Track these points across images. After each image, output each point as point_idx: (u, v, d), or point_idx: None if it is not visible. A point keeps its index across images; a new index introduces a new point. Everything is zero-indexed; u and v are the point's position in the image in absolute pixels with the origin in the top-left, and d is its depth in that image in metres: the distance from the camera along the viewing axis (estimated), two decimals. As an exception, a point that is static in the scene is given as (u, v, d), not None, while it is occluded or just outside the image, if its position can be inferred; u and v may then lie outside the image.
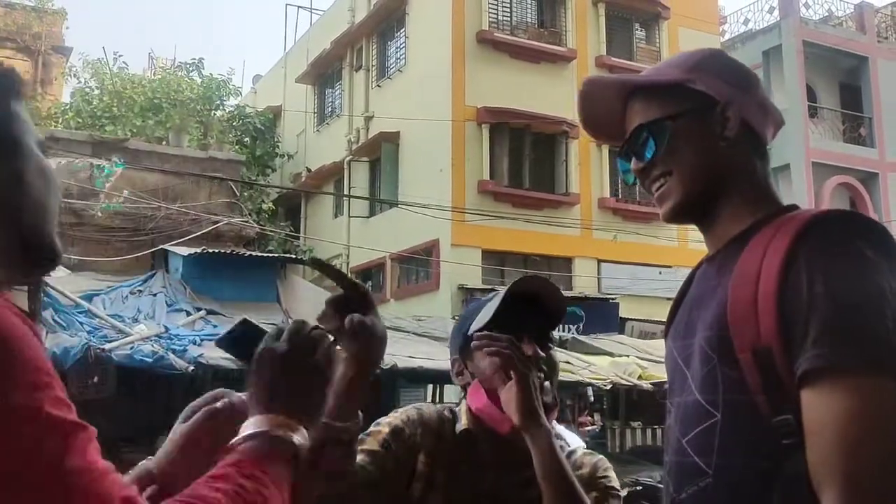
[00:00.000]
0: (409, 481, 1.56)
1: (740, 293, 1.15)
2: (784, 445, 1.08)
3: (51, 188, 0.98)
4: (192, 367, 8.06)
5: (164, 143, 15.17)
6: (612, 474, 1.70)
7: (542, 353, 1.59)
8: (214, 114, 21.32)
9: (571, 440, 2.21)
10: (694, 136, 1.29)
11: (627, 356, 12.00)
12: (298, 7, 24.69)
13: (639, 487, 9.32)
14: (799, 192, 18.98)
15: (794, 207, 1.29)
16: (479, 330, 1.56)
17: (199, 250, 10.87)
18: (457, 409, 1.67)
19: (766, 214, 1.25)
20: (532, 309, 1.60)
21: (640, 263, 17.11)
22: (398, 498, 1.55)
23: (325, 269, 1.40)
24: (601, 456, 1.75)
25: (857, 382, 1.02)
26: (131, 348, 8.14)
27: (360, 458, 1.48)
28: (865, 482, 0.99)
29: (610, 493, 1.65)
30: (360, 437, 1.52)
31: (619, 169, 1.43)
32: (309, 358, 1.05)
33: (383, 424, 1.59)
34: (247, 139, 21.37)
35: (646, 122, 1.32)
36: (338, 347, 1.15)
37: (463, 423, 1.61)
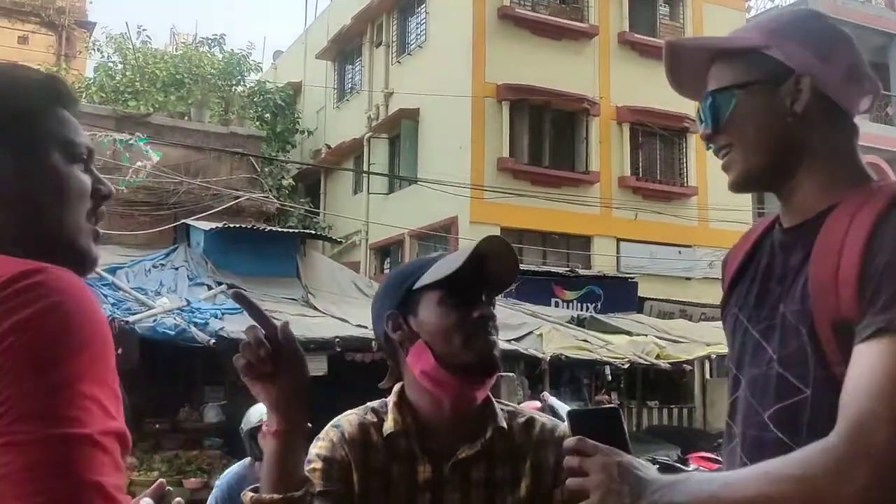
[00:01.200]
0: None
1: (822, 266, 1.13)
2: None
3: (65, 199, 0.99)
4: (213, 341, 8.16)
5: (185, 118, 15.25)
6: None
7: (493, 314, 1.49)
8: (235, 89, 21.39)
9: (563, 411, 2.13)
10: (759, 110, 1.24)
11: (646, 335, 12.00)
12: (319, -18, 24.64)
13: (656, 466, 9.35)
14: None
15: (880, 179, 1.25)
16: (435, 286, 1.45)
17: (220, 225, 10.96)
18: (381, 408, 1.53)
19: (852, 185, 1.21)
20: (488, 268, 1.48)
21: (660, 243, 17.03)
22: None
23: (242, 301, 1.31)
24: None
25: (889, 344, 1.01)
26: (154, 321, 8.25)
27: None
28: (871, 424, 0.99)
29: None
30: None
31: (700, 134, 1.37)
32: None
33: (313, 461, 1.46)
34: (267, 115, 21.41)
35: (714, 90, 1.27)
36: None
37: (390, 420, 1.48)
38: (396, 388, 1.52)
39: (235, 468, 4.50)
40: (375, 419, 1.51)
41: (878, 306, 1.05)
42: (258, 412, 4.56)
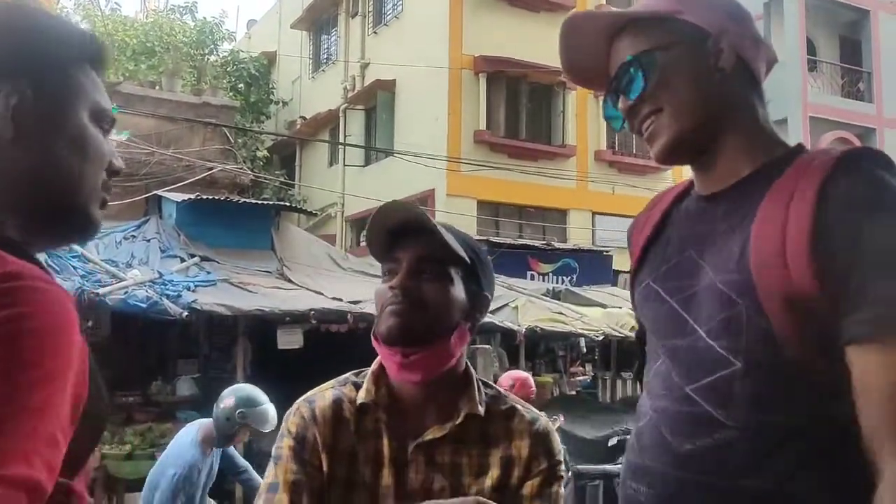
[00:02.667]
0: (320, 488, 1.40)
1: (766, 237, 1.08)
2: (819, 400, 1.04)
3: (87, 159, 0.94)
4: (185, 313, 8.08)
5: (157, 87, 14.99)
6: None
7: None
8: (208, 58, 21.07)
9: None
10: (686, 68, 1.20)
11: (620, 308, 12.08)
12: (294, -50, 24.24)
13: (628, 436, 9.46)
14: (796, 146, 18.90)
15: (801, 149, 1.22)
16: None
17: (192, 196, 10.82)
18: (360, 379, 1.49)
19: (778, 157, 1.18)
20: (403, 236, 1.42)
21: (635, 216, 17.07)
22: None
23: None
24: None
25: None
26: (125, 293, 8.14)
27: (280, 497, 1.35)
28: None
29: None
30: (270, 466, 1.41)
31: (603, 115, 1.35)
32: None
33: (285, 437, 1.42)
34: (241, 85, 21.15)
35: (634, 55, 1.22)
36: None
37: (363, 391, 1.45)
38: (379, 354, 1.47)
39: (191, 456, 4.42)
40: (354, 392, 1.47)
41: (868, 299, 0.99)
42: (232, 395, 4.50)
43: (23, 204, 0.89)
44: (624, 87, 1.25)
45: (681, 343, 1.17)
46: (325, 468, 1.39)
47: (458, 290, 1.43)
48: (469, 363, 1.51)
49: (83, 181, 0.94)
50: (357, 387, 1.47)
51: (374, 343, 1.44)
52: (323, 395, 1.48)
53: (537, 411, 1.52)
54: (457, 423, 1.42)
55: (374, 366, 1.48)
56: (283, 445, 1.42)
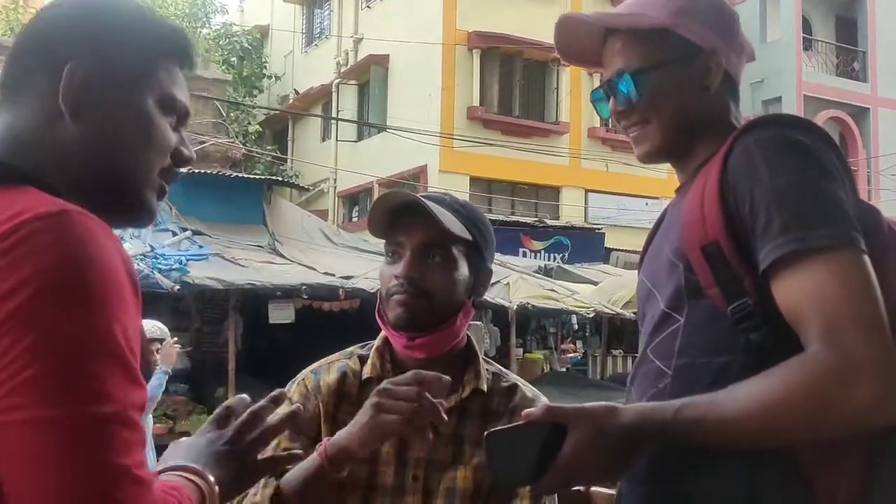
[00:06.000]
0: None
1: (692, 203, 1.18)
2: (742, 338, 1.11)
3: (148, 144, 0.95)
4: (177, 287, 8.08)
5: (148, 60, 14.85)
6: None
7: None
8: (200, 31, 20.84)
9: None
10: (676, 87, 1.28)
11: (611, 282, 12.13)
12: (287, -79, 23.97)
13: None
14: (789, 125, 18.89)
15: None
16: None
17: (184, 170, 10.78)
18: (365, 352, 1.51)
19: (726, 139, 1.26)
20: (409, 222, 1.43)
21: (628, 194, 17.12)
22: None
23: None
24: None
25: (832, 260, 1.04)
26: (117, 267, 8.13)
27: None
28: (845, 323, 1.01)
29: None
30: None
31: (591, 98, 1.41)
32: None
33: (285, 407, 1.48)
34: (233, 59, 20.96)
35: (628, 70, 1.29)
36: None
37: (369, 365, 1.47)
38: (384, 331, 1.49)
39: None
40: (358, 365, 1.49)
41: (775, 229, 1.07)
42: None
43: (79, 183, 0.89)
44: (616, 94, 1.32)
45: (650, 317, 1.27)
46: (322, 437, 1.40)
47: (463, 270, 1.45)
48: (472, 338, 1.53)
49: (140, 165, 0.94)
50: (362, 360, 1.50)
51: (380, 322, 1.46)
52: (329, 367, 1.50)
53: (536, 389, 1.55)
54: (462, 396, 1.45)
55: (378, 341, 1.51)
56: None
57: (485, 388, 1.47)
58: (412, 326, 1.41)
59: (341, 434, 1.29)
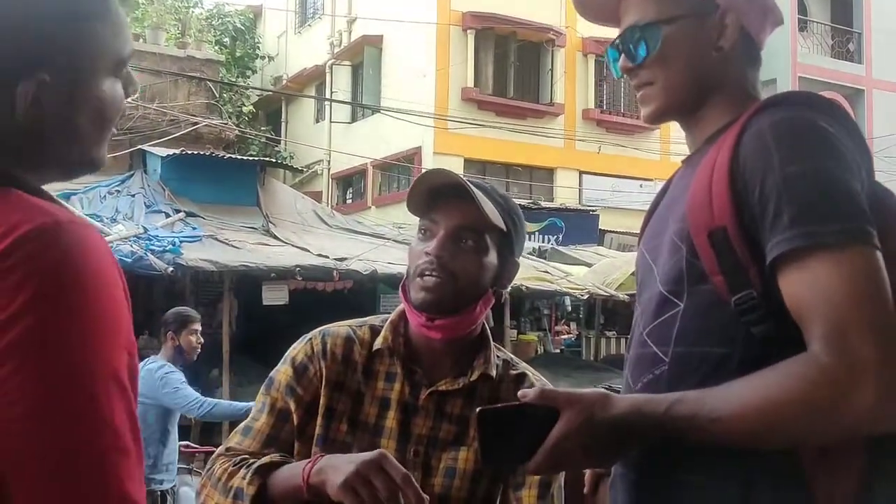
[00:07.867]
0: (307, 422, 1.45)
1: (700, 183, 1.14)
2: (743, 330, 1.08)
3: (107, 120, 0.95)
4: (171, 269, 8.06)
5: (140, 40, 14.75)
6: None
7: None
8: (192, 11, 20.65)
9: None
10: (686, 45, 1.23)
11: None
12: None
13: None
14: (783, 107, 18.90)
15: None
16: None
17: (177, 151, 10.73)
18: (380, 324, 1.52)
19: (743, 112, 1.20)
20: (445, 203, 1.44)
21: (622, 176, 17.11)
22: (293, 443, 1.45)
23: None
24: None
25: (842, 257, 1.00)
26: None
27: (262, 421, 1.44)
28: (854, 331, 0.97)
29: None
30: (262, 387, 1.48)
31: (607, 56, 1.36)
32: None
33: (286, 363, 1.48)
34: (226, 39, 20.81)
35: (639, 24, 1.25)
36: None
37: (381, 337, 1.48)
38: (401, 306, 1.50)
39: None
40: (369, 336, 1.50)
41: (785, 221, 1.03)
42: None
43: (42, 164, 0.91)
44: (627, 50, 1.28)
45: (647, 294, 1.23)
46: (321, 400, 1.44)
47: (492, 258, 1.46)
48: (486, 324, 1.54)
49: (99, 144, 0.96)
50: (374, 331, 1.51)
51: (402, 297, 1.47)
52: (338, 331, 1.51)
53: (544, 378, 1.56)
54: (470, 379, 1.46)
55: (394, 315, 1.52)
56: (280, 371, 1.48)
57: (493, 374, 1.48)
58: (435, 309, 1.42)
59: (327, 465, 1.28)
